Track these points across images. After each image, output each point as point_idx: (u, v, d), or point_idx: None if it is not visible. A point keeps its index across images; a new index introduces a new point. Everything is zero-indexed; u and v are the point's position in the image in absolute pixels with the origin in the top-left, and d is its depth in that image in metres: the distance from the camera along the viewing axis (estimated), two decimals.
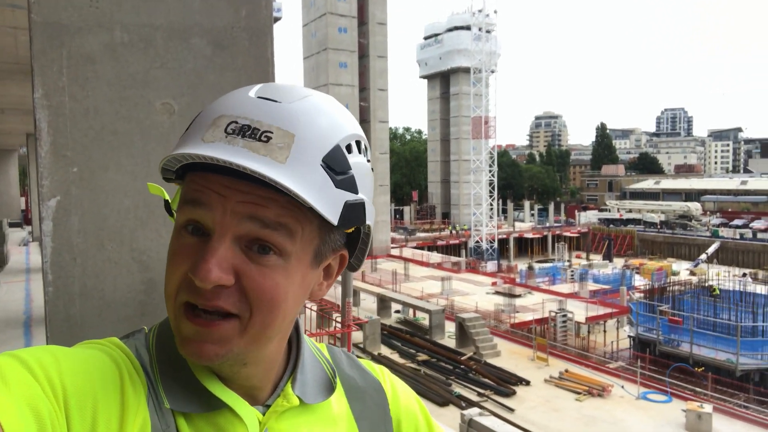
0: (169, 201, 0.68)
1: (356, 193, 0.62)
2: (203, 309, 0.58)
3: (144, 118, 1.20)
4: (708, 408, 15.29)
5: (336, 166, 0.60)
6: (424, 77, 69.18)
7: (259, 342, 0.62)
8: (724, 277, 30.55)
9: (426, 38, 69.57)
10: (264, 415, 0.66)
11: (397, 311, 26.75)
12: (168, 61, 1.25)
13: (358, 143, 0.64)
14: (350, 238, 0.68)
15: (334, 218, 0.60)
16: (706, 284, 26.88)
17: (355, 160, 0.63)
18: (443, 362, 20.11)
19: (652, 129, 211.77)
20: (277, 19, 44.94)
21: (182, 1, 1.27)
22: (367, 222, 0.66)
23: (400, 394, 0.83)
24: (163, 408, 0.61)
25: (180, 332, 0.60)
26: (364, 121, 47.39)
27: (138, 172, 1.19)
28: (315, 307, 20.73)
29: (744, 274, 38.60)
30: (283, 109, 0.59)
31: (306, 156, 0.58)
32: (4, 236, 11.93)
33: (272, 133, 0.58)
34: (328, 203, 0.59)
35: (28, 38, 1.22)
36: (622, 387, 17.97)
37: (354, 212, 0.62)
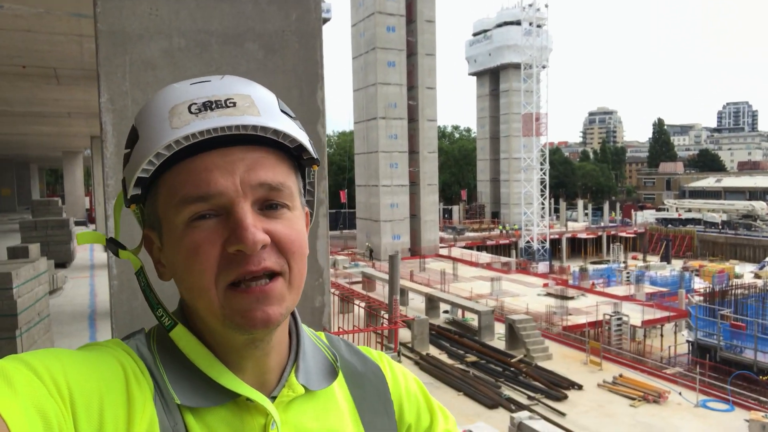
0: (112, 237, 0.72)
1: (306, 134, 0.68)
2: (252, 278, 0.61)
3: None
4: None
5: (289, 112, 0.67)
6: (473, 74, 68.47)
7: (299, 293, 0.67)
8: None
9: (475, 35, 68.83)
10: None
11: (446, 311, 26.61)
12: (222, 65, 1.30)
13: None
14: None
15: (314, 153, 0.68)
16: None
17: None
18: (492, 364, 19.88)
19: (713, 124, 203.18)
20: (326, 20, 45.46)
21: (235, 6, 1.32)
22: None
23: (399, 378, 0.84)
24: (170, 405, 0.62)
25: (237, 309, 0.62)
26: (412, 120, 47.35)
27: None
28: (363, 305, 20.88)
29: None
30: (222, 82, 0.64)
31: (269, 107, 0.64)
32: (71, 234, 12.56)
33: (233, 98, 0.62)
34: (305, 140, 0.66)
35: (94, 46, 1.30)
36: (680, 394, 17.33)
37: (313, 148, 0.69)
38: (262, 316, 0.62)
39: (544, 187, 51.97)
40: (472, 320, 24.29)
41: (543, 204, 51.85)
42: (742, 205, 64.22)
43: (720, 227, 60.15)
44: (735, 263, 46.26)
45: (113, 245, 0.71)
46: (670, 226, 61.39)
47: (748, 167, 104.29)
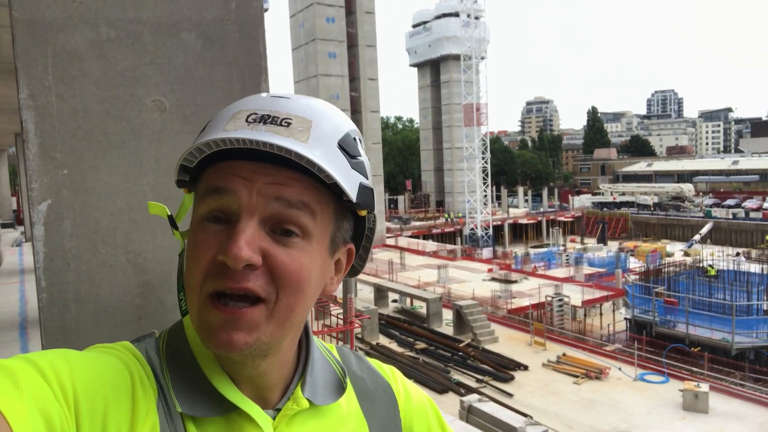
0: (173, 216, 0.72)
1: (367, 178, 0.67)
2: (231, 295, 0.60)
3: (135, 116, 1.17)
4: (704, 387, 15.44)
5: (350, 150, 0.65)
6: (414, 65, 68.84)
7: (284, 328, 0.63)
8: (717, 257, 30.75)
9: (414, 26, 69.13)
10: (274, 419, 0.67)
11: (395, 301, 26.80)
12: (157, 56, 1.21)
13: (360, 139, 0.69)
14: (355, 234, 0.71)
15: (353, 195, 0.64)
16: (701, 265, 27.05)
17: (362, 150, 0.68)
18: (441, 350, 20.19)
19: (643, 111, 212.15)
20: (264, 10, 44.57)
21: None
22: (375, 209, 0.70)
23: (412, 396, 0.83)
24: (173, 413, 0.61)
25: (207, 324, 0.61)
26: (355, 111, 47.17)
27: (130, 173, 1.16)
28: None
29: (737, 254, 38.85)
30: (296, 102, 0.64)
31: (324, 138, 0.63)
32: None
33: (291, 119, 0.62)
34: (347, 182, 0.63)
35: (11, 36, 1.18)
36: (620, 369, 18.12)
37: (367, 195, 0.66)
38: (225, 339, 0.60)
39: (486, 175, 52.99)
40: (421, 308, 24.57)
41: (485, 192, 52.89)
42: (671, 187, 67.42)
43: (652, 209, 63.06)
44: (666, 243, 48.69)
45: (172, 224, 0.72)
46: (605, 209, 63.83)
47: (675, 152, 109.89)
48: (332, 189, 0.64)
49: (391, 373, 0.84)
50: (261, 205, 0.61)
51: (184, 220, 0.73)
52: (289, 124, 0.61)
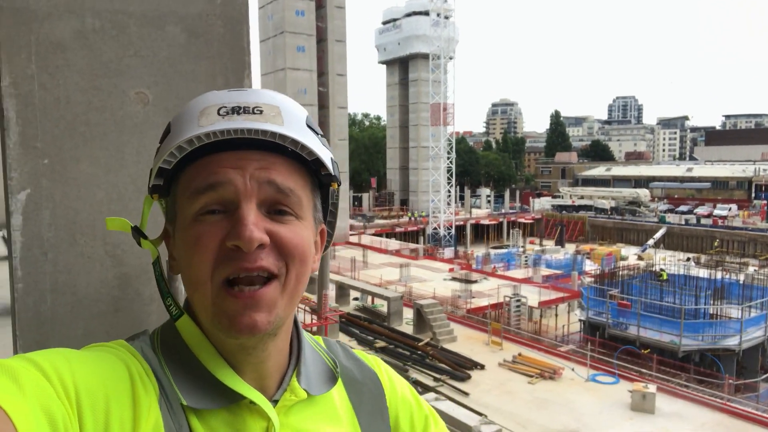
0: (137, 226, 0.72)
1: (331, 152, 0.71)
2: (244, 279, 0.62)
3: (117, 108, 1.16)
4: (652, 388, 15.96)
5: (315, 128, 0.70)
6: (382, 63, 68.81)
7: (293, 300, 0.66)
8: (669, 261, 31.79)
9: (384, 23, 69.10)
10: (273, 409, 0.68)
11: (356, 299, 26.80)
12: (141, 49, 1.21)
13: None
14: (322, 210, 0.75)
15: (331, 168, 0.69)
16: (653, 269, 27.90)
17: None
18: (401, 348, 20.30)
19: (605, 117, 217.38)
20: None
21: None
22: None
23: (396, 385, 0.86)
24: (175, 407, 0.62)
25: (226, 312, 0.62)
26: (322, 106, 46.77)
27: (111, 165, 1.16)
28: None
29: (688, 259, 40.26)
30: (256, 92, 0.67)
31: (295, 120, 0.67)
32: None
33: (261, 107, 0.65)
34: (324, 156, 0.68)
35: None
36: (573, 369, 18.53)
37: (336, 169, 0.71)
38: (248, 322, 0.62)
39: (451, 175, 53.46)
40: (382, 306, 24.65)
41: (449, 192, 53.36)
42: (628, 192, 69.28)
43: (609, 213, 64.67)
44: (621, 246, 49.99)
45: (136, 234, 0.73)
46: (564, 212, 65.14)
47: (633, 157, 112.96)
48: (310, 166, 0.68)
49: (376, 364, 0.87)
50: (255, 189, 0.63)
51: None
52: (261, 111, 0.64)
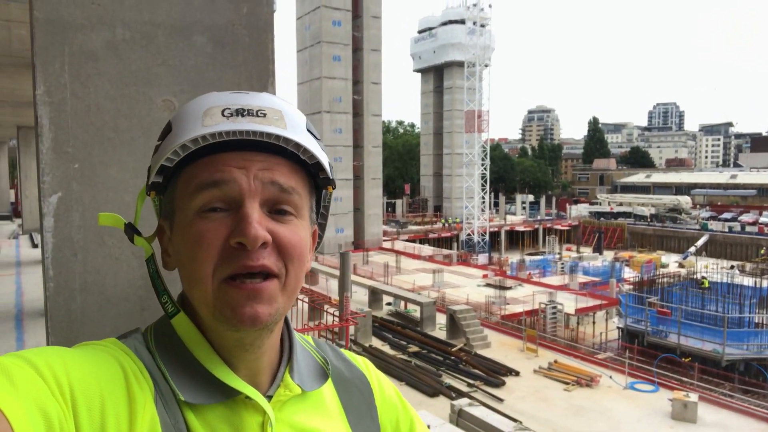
0: (131, 223, 0.73)
1: (328, 158, 0.72)
2: (248, 274, 0.63)
3: (145, 115, 1.21)
4: (693, 397, 15.48)
5: (315, 133, 0.71)
6: (417, 71, 68.96)
7: (292, 298, 0.68)
8: (712, 269, 30.85)
9: (420, 32, 69.29)
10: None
11: (389, 303, 26.80)
12: (169, 58, 1.25)
13: None
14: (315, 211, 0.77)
15: (330, 172, 0.71)
16: (695, 276, 27.13)
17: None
18: (434, 354, 20.20)
19: (644, 123, 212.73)
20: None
21: None
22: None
23: (384, 387, 0.87)
24: (170, 403, 0.63)
25: (228, 303, 0.63)
26: (357, 114, 47.19)
27: (139, 169, 1.20)
28: (306, 299, 20.74)
29: (732, 267, 38.95)
30: (258, 95, 0.69)
31: (297, 124, 0.68)
32: None
33: (264, 110, 0.66)
34: (324, 160, 0.69)
35: (23, 32, 1.22)
36: (610, 377, 18.14)
37: (332, 172, 0.72)
38: (250, 313, 0.63)
39: (485, 181, 53.06)
40: (415, 311, 24.58)
41: (483, 198, 52.95)
42: (668, 199, 67.57)
43: (648, 220, 63.18)
44: (662, 254, 48.78)
45: (130, 231, 0.73)
46: (602, 219, 63.93)
47: (674, 164, 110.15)
48: (309, 169, 0.70)
49: (364, 365, 0.88)
50: (259, 189, 0.64)
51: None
52: (264, 114, 0.65)
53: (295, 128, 0.67)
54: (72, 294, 1.19)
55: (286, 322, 0.77)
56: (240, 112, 0.65)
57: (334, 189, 0.74)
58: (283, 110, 0.68)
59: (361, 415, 0.80)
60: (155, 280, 0.72)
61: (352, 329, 21.24)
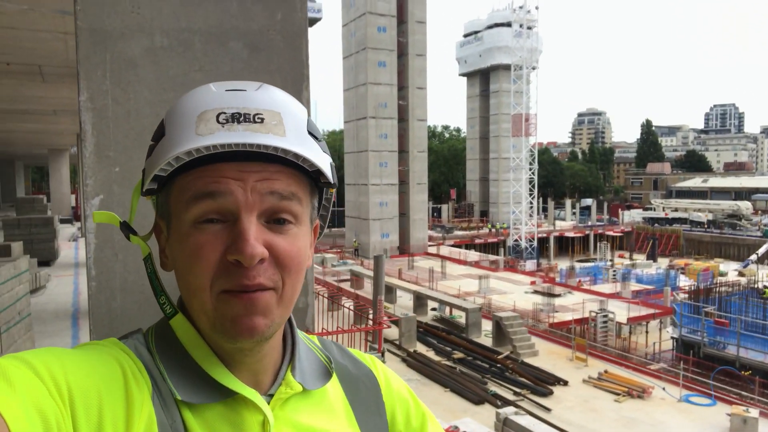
0: (126, 221, 0.72)
1: (329, 156, 0.70)
2: (243, 291, 0.62)
3: None
4: (754, 412, 14.73)
5: (316, 133, 0.68)
6: (463, 75, 68.62)
7: (289, 308, 0.67)
8: None
9: (466, 36, 68.97)
10: (269, 404, 0.68)
11: (434, 309, 26.67)
12: (206, 64, 1.29)
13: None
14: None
15: (330, 177, 0.68)
16: (756, 286, 25.91)
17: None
18: (479, 360, 19.96)
19: (701, 126, 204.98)
20: (317, 20, 45.29)
21: (219, 5, 1.30)
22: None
23: (392, 382, 0.86)
24: (168, 403, 0.62)
25: (227, 314, 0.63)
26: (402, 119, 47.32)
27: None
28: (351, 304, 20.86)
29: None
30: (255, 94, 0.65)
31: (297, 128, 0.65)
32: (55, 232, 12.42)
33: (262, 114, 0.63)
34: (324, 165, 0.67)
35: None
36: (664, 389, 17.52)
37: (335, 173, 0.70)
38: (248, 324, 0.63)
39: (533, 186, 52.21)
40: (460, 317, 24.37)
41: (531, 203, 52.10)
42: (727, 204, 64.91)
43: (706, 226, 60.77)
44: (720, 261, 46.82)
45: (126, 229, 0.73)
46: (656, 225, 61.92)
47: (734, 168, 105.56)
48: (310, 174, 0.67)
49: (371, 361, 0.87)
50: (257, 201, 0.63)
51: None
52: (262, 119, 0.62)
53: (294, 132, 0.65)
54: (113, 293, 1.23)
55: (290, 321, 0.77)
56: (236, 118, 0.62)
57: (335, 188, 0.73)
58: (283, 111, 0.64)
59: (368, 411, 0.80)
60: (153, 281, 0.71)
61: (396, 333, 21.23)
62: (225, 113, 0.62)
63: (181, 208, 0.64)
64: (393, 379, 0.86)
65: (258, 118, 0.62)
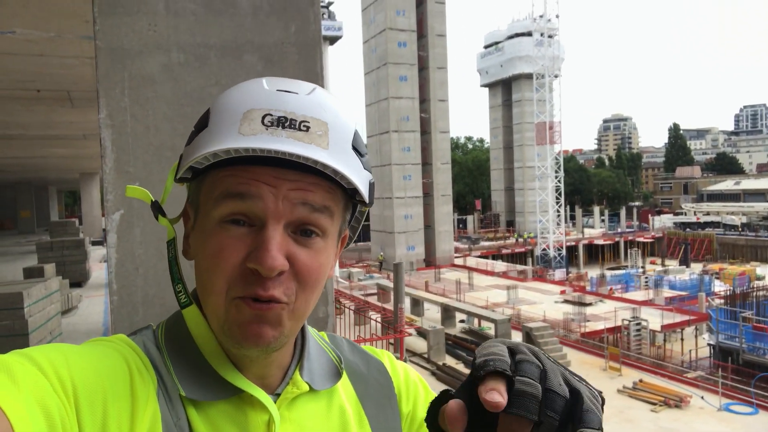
0: (158, 201, 0.71)
1: (371, 173, 0.68)
2: (255, 299, 0.61)
3: None
4: None
5: (360, 149, 0.66)
6: (485, 86, 68.61)
7: (301, 321, 0.66)
8: None
9: (486, 47, 69.08)
10: (275, 403, 0.68)
11: (462, 321, 26.41)
12: (221, 78, 1.31)
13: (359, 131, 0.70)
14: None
15: (366, 196, 0.65)
16: None
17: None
18: None
19: (731, 128, 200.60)
20: (338, 38, 45.77)
21: (234, 20, 1.32)
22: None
23: (399, 370, 0.85)
24: (174, 400, 0.62)
25: (237, 320, 0.62)
26: (424, 132, 47.39)
27: None
28: (378, 317, 20.80)
29: None
30: (306, 99, 0.63)
31: (341, 142, 0.63)
32: (86, 253, 12.69)
33: (309, 122, 0.61)
34: (362, 185, 0.64)
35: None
36: (702, 398, 17.02)
37: (373, 192, 0.68)
38: (256, 332, 0.62)
39: (559, 194, 51.63)
40: (489, 329, 24.08)
41: (558, 211, 51.50)
42: (762, 207, 63.26)
43: (740, 230, 59.26)
44: (756, 265, 45.48)
45: (156, 209, 0.71)
46: (688, 229, 60.64)
47: (767, 169, 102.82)
48: (347, 190, 0.66)
49: (383, 354, 0.86)
50: (287, 211, 0.61)
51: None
52: (308, 128, 0.61)
53: (338, 145, 0.62)
54: (134, 307, 1.24)
55: None
56: (282, 122, 0.60)
57: (371, 206, 0.71)
58: (330, 122, 0.62)
59: (379, 406, 0.79)
60: (173, 266, 0.70)
61: (424, 347, 21.07)
62: (271, 115, 0.60)
63: (209, 204, 0.63)
64: (404, 370, 0.86)
65: (304, 125, 0.61)
